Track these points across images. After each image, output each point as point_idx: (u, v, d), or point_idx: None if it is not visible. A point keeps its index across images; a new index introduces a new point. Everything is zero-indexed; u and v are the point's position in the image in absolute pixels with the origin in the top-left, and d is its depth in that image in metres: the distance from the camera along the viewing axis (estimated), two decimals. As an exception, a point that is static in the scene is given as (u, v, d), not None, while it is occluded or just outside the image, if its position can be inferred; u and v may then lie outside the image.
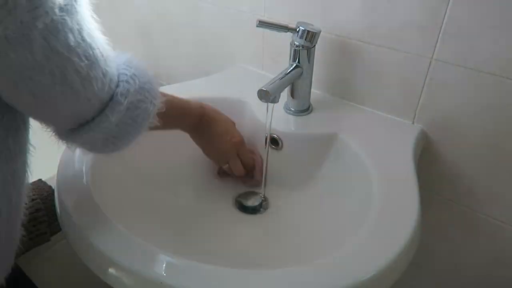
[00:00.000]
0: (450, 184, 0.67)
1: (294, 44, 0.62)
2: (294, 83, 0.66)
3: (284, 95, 0.68)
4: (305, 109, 0.69)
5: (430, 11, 0.56)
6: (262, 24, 0.61)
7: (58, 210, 0.54)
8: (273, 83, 0.57)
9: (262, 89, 0.56)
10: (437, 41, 0.58)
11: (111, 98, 0.41)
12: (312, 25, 0.62)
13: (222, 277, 0.42)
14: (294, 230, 0.62)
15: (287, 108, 0.70)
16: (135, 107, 0.42)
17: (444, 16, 0.56)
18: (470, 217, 0.68)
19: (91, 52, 0.36)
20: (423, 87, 0.62)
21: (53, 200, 0.56)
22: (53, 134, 0.44)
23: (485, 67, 0.55)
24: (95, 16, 0.38)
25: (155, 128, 0.47)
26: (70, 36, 0.34)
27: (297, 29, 0.61)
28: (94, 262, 0.47)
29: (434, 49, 0.58)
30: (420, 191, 0.53)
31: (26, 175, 0.45)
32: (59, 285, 0.66)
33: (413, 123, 0.66)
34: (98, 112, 0.40)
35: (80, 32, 0.35)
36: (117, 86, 0.41)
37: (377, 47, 0.63)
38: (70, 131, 0.42)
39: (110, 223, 0.48)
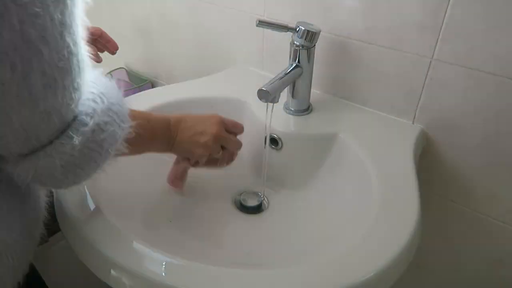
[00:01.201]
0: (450, 184, 0.67)
1: (294, 44, 0.62)
2: (294, 83, 0.66)
3: (284, 95, 0.68)
4: (305, 109, 0.69)
5: (430, 11, 0.56)
6: (262, 24, 0.60)
7: (57, 210, 0.54)
8: (273, 83, 0.57)
9: (262, 89, 0.56)
10: (437, 41, 0.58)
11: (74, 118, 0.35)
12: (312, 25, 0.62)
13: (222, 277, 0.42)
14: (294, 230, 0.62)
15: (287, 108, 0.70)
16: (101, 130, 0.37)
17: (444, 16, 0.56)
18: (470, 217, 0.68)
19: (66, 55, 0.31)
20: (423, 87, 0.62)
21: (51, 201, 0.56)
22: (1, 163, 0.36)
23: (485, 67, 0.55)
24: (86, 21, 0.33)
25: (123, 154, 0.42)
26: (49, 25, 0.28)
27: (297, 29, 0.61)
28: (93, 262, 0.47)
29: (434, 49, 0.58)
30: (420, 191, 0.53)
31: None
32: (59, 285, 0.65)
33: (413, 123, 0.66)
34: (57, 133, 0.34)
35: (61, 26, 0.29)
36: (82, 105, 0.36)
37: (377, 47, 0.63)
38: (22, 157, 0.35)
39: (109, 224, 0.48)
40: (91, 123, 0.36)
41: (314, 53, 0.64)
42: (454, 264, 0.75)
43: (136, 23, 1.03)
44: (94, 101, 0.37)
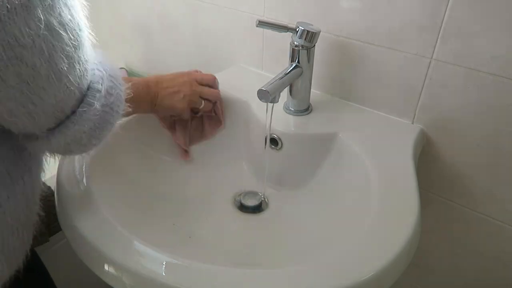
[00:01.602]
0: (450, 184, 0.67)
1: (294, 44, 0.62)
2: (294, 83, 0.66)
3: (284, 95, 0.68)
4: (305, 109, 0.69)
5: (430, 11, 0.56)
6: (262, 24, 0.61)
7: (57, 210, 0.54)
8: (273, 83, 0.58)
9: (262, 89, 0.56)
10: (437, 41, 0.58)
11: (88, 87, 0.39)
12: (312, 25, 0.62)
13: (222, 277, 0.42)
14: (293, 229, 0.62)
15: (287, 108, 0.70)
16: (110, 94, 0.41)
17: (444, 16, 0.56)
18: (469, 217, 0.68)
19: (79, 32, 0.35)
20: (422, 87, 0.62)
21: (52, 200, 0.56)
22: (31, 141, 0.40)
23: (485, 67, 0.55)
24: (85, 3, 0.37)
25: (127, 114, 0.47)
26: (63, 10, 0.32)
27: (297, 29, 0.61)
28: (94, 262, 0.47)
29: (434, 49, 0.58)
30: (420, 191, 0.53)
31: None
32: (58, 285, 0.65)
33: (412, 123, 0.66)
34: (78, 102, 0.38)
35: (71, 8, 0.34)
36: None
37: (377, 47, 0.64)
38: (51, 132, 0.39)
39: (110, 224, 0.48)
40: (103, 88, 0.40)
41: (314, 53, 0.64)
42: (454, 264, 0.75)
43: (136, 23, 1.03)
44: (98, 69, 0.40)
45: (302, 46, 0.62)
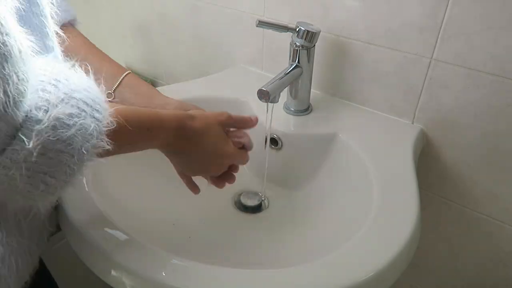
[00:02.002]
0: (450, 184, 0.67)
1: (294, 44, 0.62)
2: (294, 83, 0.66)
3: (284, 95, 0.68)
4: (305, 109, 0.69)
5: (430, 11, 0.56)
6: (262, 24, 0.60)
7: (57, 210, 0.54)
8: (273, 83, 0.58)
9: (262, 89, 0.56)
10: (437, 41, 0.58)
11: (26, 117, 0.28)
12: (312, 25, 0.62)
13: (222, 277, 0.42)
14: (293, 230, 0.62)
15: (287, 108, 0.70)
16: (65, 125, 0.29)
17: (444, 16, 0.56)
18: (469, 217, 0.68)
19: (4, 38, 0.25)
20: (422, 87, 0.62)
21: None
22: None
23: (485, 67, 0.55)
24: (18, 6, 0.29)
25: (109, 153, 0.34)
26: None
27: (297, 29, 0.61)
28: (94, 262, 0.47)
29: (434, 49, 0.59)
30: (420, 191, 0.53)
31: None
32: (58, 285, 0.66)
33: (412, 123, 0.66)
34: (8, 139, 0.28)
35: None
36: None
37: (377, 47, 0.64)
38: None
39: (110, 223, 0.48)
40: (46, 118, 0.28)
41: (314, 53, 0.64)
42: (454, 264, 0.76)
43: (136, 23, 1.03)
44: (43, 90, 0.29)
45: (302, 46, 0.62)
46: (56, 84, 0.30)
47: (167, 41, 0.98)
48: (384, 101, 0.67)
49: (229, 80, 0.80)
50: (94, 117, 0.31)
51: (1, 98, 0.25)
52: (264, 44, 0.78)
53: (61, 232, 0.52)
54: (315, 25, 0.62)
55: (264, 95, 0.56)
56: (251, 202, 0.68)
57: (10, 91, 0.26)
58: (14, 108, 0.27)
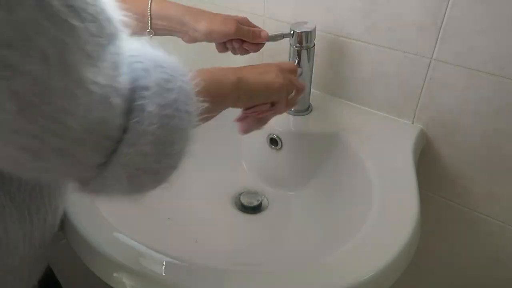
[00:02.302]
0: (450, 184, 0.67)
1: (294, 44, 0.62)
2: (294, 83, 0.66)
3: (284, 95, 0.68)
4: (305, 109, 0.69)
5: (430, 11, 0.56)
6: None
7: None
8: (273, 83, 0.57)
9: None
10: (437, 41, 0.58)
11: (132, 89, 0.28)
12: (307, 22, 0.62)
13: (221, 277, 0.42)
14: (293, 230, 0.62)
15: (287, 108, 0.70)
16: (166, 90, 0.29)
17: (444, 16, 0.56)
18: (469, 217, 0.68)
19: (99, 18, 0.24)
20: (422, 87, 0.62)
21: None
22: (81, 189, 0.31)
23: (485, 67, 0.55)
24: None
25: (207, 115, 0.34)
26: None
27: (292, 33, 0.61)
28: (93, 262, 0.47)
29: (434, 49, 0.58)
30: (420, 191, 0.53)
31: None
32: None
33: (412, 123, 0.66)
34: (125, 116, 0.27)
35: None
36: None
37: (377, 47, 0.64)
38: (104, 169, 0.28)
39: (110, 224, 0.48)
40: (150, 83, 0.28)
41: (314, 53, 0.64)
42: (454, 264, 0.75)
43: (136, 23, 1.03)
44: (137, 62, 0.29)
45: (302, 47, 0.62)
46: (144, 56, 0.30)
47: (167, 42, 0.98)
48: (384, 101, 0.67)
49: (229, 80, 0.80)
50: (183, 81, 0.31)
51: (110, 74, 0.25)
52: (264, 44, 0.78)
53: (61, 232, 0.52)
54: (309, 22, 0.62)
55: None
56: (251, 202, 0.68)
57: (114, 67, 0.26)
58: (121, 82, 0.26)
